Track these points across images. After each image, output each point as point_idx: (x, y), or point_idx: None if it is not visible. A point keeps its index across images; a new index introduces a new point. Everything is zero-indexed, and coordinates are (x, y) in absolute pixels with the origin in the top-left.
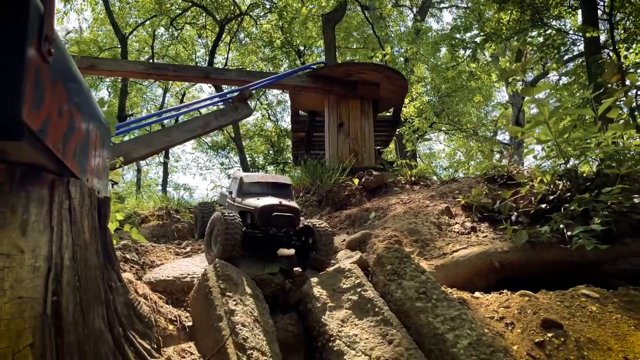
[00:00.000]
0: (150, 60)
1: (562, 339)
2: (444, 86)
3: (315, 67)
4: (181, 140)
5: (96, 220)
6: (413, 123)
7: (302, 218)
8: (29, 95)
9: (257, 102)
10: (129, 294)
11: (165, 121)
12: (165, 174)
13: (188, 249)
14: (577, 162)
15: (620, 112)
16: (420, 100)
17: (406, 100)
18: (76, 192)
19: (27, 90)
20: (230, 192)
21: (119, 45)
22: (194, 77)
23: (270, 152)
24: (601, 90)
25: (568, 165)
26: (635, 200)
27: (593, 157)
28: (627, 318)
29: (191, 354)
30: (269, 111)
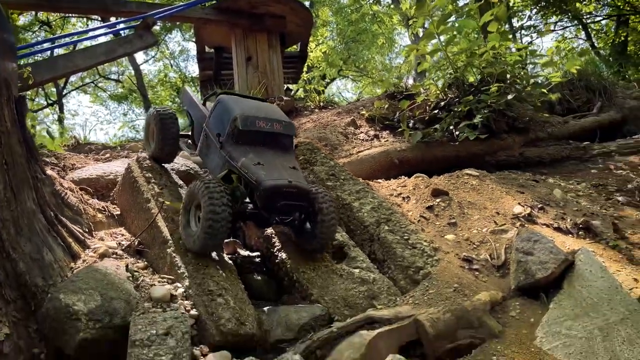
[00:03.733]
0: None
1: (448, 202)
2: (349, 29)
3: None
4: (85, 66)
5: (15, 113)
6: (320, 68)
7: None
8: None
9: (159, 51)
10: (54, 185)
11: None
12: (62, 131)
13: (107, 155)
14: (464, 71)
15: (499, 25)
16: (327, 45)
17: (312, 45)
18: None
19: None
20: (204, 103)
21: None
22: (91, 10)
23: (176, 99)
24: (482, 1)
25: (457, 74)
26: (509, 97)
27: (477, 66)
28: (500, 188)
29: (122, 235)
30: (172, 61)
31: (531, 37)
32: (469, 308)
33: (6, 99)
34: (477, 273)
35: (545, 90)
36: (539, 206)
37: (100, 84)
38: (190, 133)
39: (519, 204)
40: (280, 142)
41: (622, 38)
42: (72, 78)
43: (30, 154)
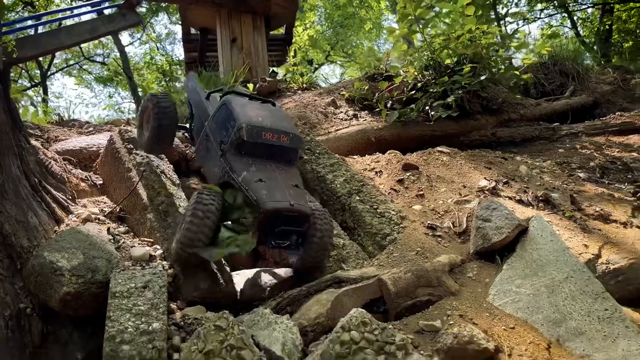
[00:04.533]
0: None
1: (417, 176)
2: (337, 14)
3: None
4: (69, 43)
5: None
6: (307, 53)
7: None
8: None
9: (145, 34)
10: (38, 154)
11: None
12: (46, 111)
13: (91, 128)
14: (440, 53)
15: (477, 9)
16: (314, 29)
17: (299, 29)
18: None
19: None
20: (207, 97)
21: None
22: None
23: (162, 82)
24: None
25: (433, 56)
26: (482, 78)
27: (453, 49)
28: (469, 164)
29: (105, 203)
30: (158, 45)
31: (517, 24)
32: (428, 269)
33: None
34: (439, 239)
35: (518, 72)
36: (504, 181)
37: (85, 67)
38: (188, 126)
39: (485, 178)
40: (285, 155)
41: (607, 27)
42: (57, 60)
43: (14, 124)
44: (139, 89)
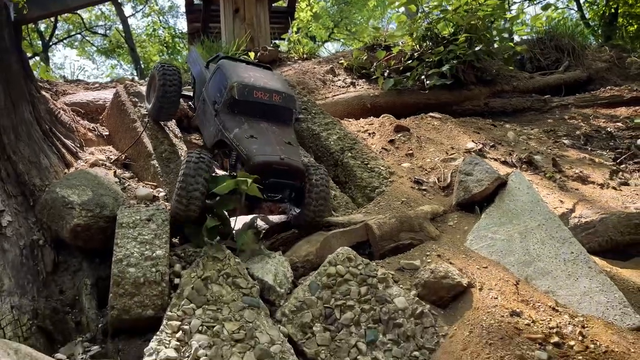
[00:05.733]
0: None
1: (408, 137)
2: None
3: None
4: (74, 5)
5: (13, 33)
6: (310, 29)
7: None
8: None
9: (147, 6)
10: (49, 104)
11: None
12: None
13: (97, 85)
14: (437, 23)
15: None
16: (317, 5)
17: (302, 4)
18: None
19: None
20: (207, 65)
21: None
22: None
23: (164, 54)
24: None
25: (430, 26)
26: (477, 49)
27: (449, 19)
28: (459, 128)
29: (111, 151)
30: (160, 17)
31: (522, 4)
32: (412, 215)
33: (5, 19)
34: (424, 192)
35: (512, 44)
36: (491, 144)
37: (87, 38)
38: (192, 94)
39: (473, 141)
40: (279, 114)
41: (612, 10)
42: (58, 31)
43: (26, 73)
44: (141, 62)
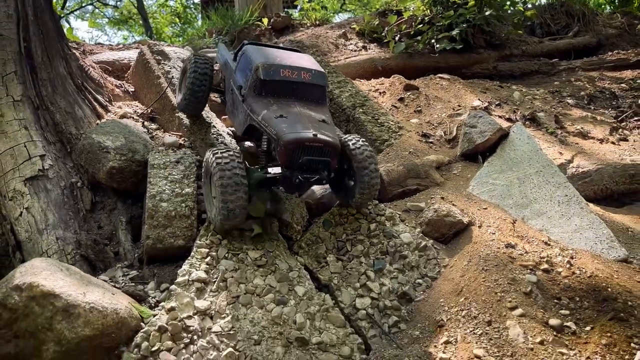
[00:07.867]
0: None
1: (417, 95)
2: None
3: None
4: None
5: None
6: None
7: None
8: None
9: None
10: (79, 60)
11: None
12: None
13: (121, 45)
14: None
15: None
16: None
17: None
18: None
19: None
20: (234, 57)
21: None
22: None
23: (177, 25)
24: None
25: None
26: (487, 13)
27: None
28: (466, 88)
29: (137, 105)
30: None
31: None
32: (418, 163)
33: None
34: (431, 144)
35: (522, 8)
36: (497, 103)
37: (97, 11)
38: (223, 89)
39: (479, 99)
40: (309, 92)
41: None
42: (69, 2)
43: (58, 32)
44: (154, 33)
